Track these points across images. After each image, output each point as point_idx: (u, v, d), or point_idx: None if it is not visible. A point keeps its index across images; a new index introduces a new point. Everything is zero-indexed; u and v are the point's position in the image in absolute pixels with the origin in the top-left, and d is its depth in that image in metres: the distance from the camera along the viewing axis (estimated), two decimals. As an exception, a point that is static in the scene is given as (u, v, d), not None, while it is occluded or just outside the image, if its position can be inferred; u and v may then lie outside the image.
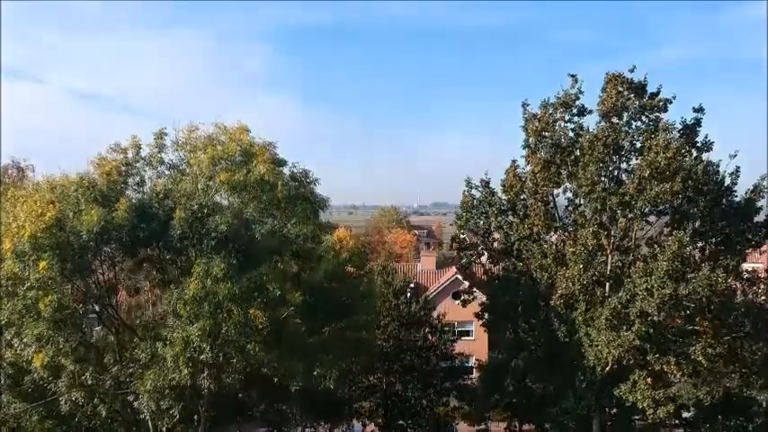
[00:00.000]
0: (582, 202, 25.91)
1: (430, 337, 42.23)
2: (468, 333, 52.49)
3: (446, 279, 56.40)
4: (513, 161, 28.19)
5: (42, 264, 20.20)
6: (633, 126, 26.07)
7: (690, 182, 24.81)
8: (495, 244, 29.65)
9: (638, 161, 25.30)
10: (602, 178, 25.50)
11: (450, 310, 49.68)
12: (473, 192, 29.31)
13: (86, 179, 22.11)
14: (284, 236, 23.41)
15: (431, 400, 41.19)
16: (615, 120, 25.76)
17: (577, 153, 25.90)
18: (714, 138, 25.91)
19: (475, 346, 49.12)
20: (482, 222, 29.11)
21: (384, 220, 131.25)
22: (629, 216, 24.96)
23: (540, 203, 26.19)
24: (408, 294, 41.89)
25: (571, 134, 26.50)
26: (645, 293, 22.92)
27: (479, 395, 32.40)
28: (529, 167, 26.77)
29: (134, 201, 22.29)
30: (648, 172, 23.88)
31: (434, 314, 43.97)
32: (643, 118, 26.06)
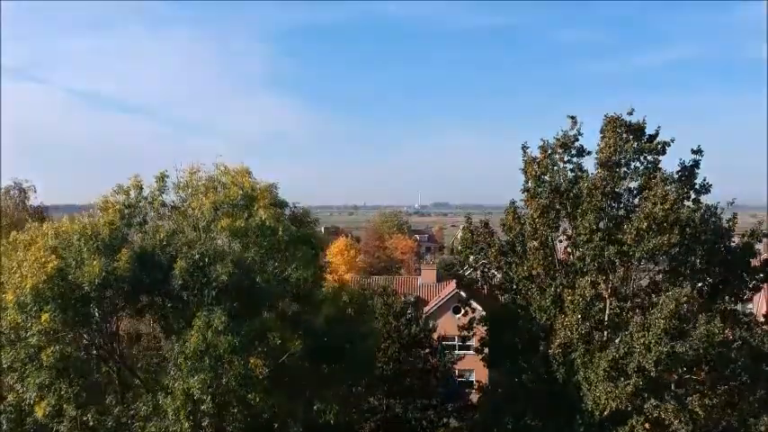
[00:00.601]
0: (580, 249, 26.01)
1: (430, 359, 42.50)
2: (468, 347, 52.79)
3: (447, 294, 56.54)
4: (513, 202, 28.35)
5: (45, 316, 20.39)
6: (632, 166, 26.24)
7: (687, 230, 24.95)
8: (495, 280, 29.81)
9: (637, 208, 25.42)
10: (601, 225, 25.58)
11: (451, 325, 49.92)
12: (473, 227, 29.44)
13: (89, 227, 22.25)
14: (285, 278, 23.60)
15: (431, 422, 41.44)
16: (614, 161, 25.90)
17: (577, 192, 26.03)
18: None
19: (476, 360, 49.49)
20: (481, 258, 29.26)
21: (385, 225, 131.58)
22: (628, 265, 25.13)
23: (539, 248, 26.37)
24: (409, 316, 42.03)
25: (570, 174, 26.65)
26: (642, 348, 23.13)
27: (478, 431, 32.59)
28: (529, 212, 26.91)
29: (136, 248, 22.40)
30: (646, 224, 24.04)
31: (435, 335, 44.20)
32: (641, 159, 26.24)
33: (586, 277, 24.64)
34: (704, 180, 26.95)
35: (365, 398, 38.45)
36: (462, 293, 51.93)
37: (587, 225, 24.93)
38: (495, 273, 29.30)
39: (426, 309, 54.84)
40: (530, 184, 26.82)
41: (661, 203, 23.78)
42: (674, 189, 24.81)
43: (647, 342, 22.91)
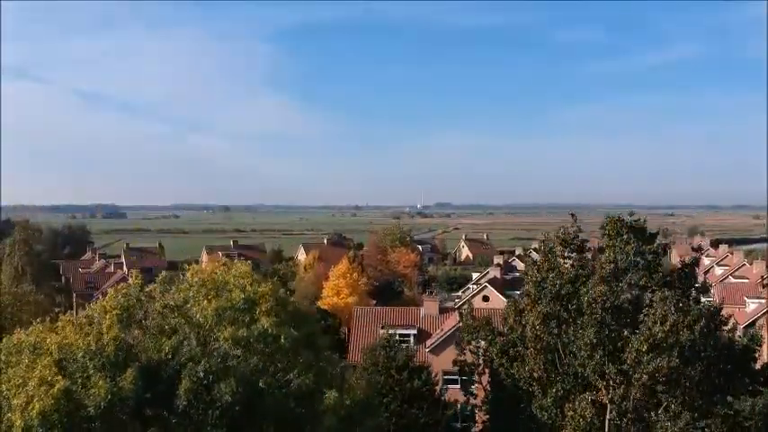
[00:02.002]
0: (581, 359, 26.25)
1: (433, 414, 42.68)
2: (472, 383, 53.13)
3: (449, 328, 56.62)
4: (514, 301, 28.62)
5: (51, 439, 20.66)
6: (633, 261, 26.49)
7: (686, 352, 25.14)
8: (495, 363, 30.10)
9: (638, 329, 25.60)
10: (602, 341, 25.82)
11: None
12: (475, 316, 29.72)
13: (93, 339, 22.54)
14: (287, 382, 23.87)
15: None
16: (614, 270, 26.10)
17: (578, 304, 26.25)
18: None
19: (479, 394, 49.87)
20: (482, 345, 29.56)
21: (388, 238, 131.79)
22: (628, 384, 25.35)
23: (539, 354, 26.64)
24: (410, 368, 42.10)
25: (571, 271, 26.93)
26: None
27: None
28: (530, 318, 27.15)
29: (142, 360, 22.71)
30: (646, 346, 24.28)
31: (437, 371, 44.35)
32: (642, 258, 26.52)
33: (586, 394, 24.91)
34: (704, 281, 27.13)
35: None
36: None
37: (587, 342, 25.19)
38: (495, 358, 29.51)
39: (429, 342, 55.09)
40: (530, 287, 27.09)
41: (661, 323, 24.01)
42: (673, 309, 24.84)
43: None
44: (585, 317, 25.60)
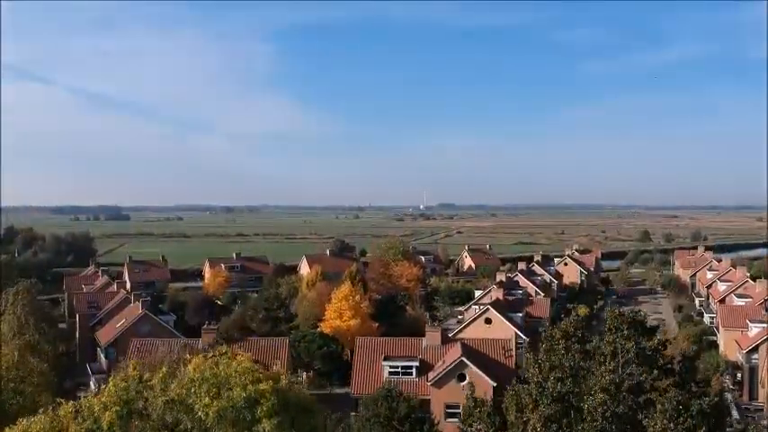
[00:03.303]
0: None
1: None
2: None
3: (452, 361, 56.70)
4: (516, 394, 28.56)
5: None
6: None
7: None
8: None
9: None
10: None
11: (456, 392, 50.38)
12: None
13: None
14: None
15: None
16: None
17: (578, 408, 26.31)
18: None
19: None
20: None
21: (390, 252, 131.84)
22: None
23: None
24: (412, 419, 42.08)
25: (572, 363, 27.02)
26: None
27: None
28: (532, 422, 27.03)
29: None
30: None
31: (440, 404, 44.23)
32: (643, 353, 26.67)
33: None
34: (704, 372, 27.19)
35: None
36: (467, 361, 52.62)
37: None
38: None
39: (431, 375, 55.11)
40: (532, 388, 27.09)
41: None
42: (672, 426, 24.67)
43: None
44: (586, 424, 25.71)
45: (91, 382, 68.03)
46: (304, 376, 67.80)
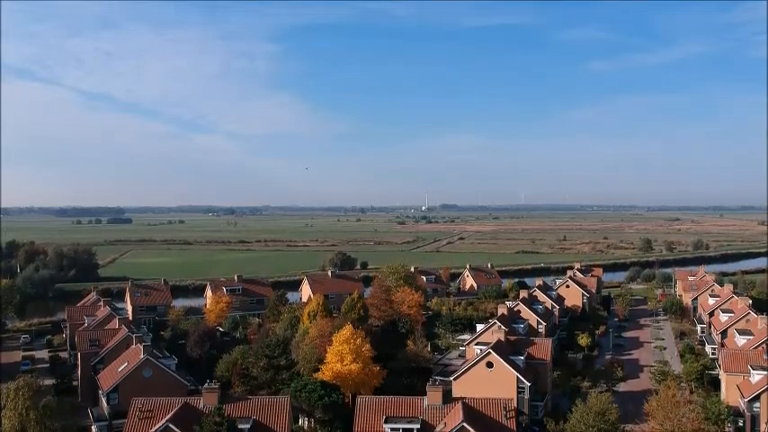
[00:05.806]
0: None
1: None
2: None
3: (453, 426, 56.07)
4: None
5: None
6: None
7: None
8: None
9: None
10: None
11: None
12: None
13: None
14: None
15: None
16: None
17: None
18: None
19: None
20: None
21: (393, 277, 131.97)
22: None
23: None
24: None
25: None
26: None
27: None
28: None
29: None
30: None
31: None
32: None
33: None
34: None
35: None
36: (468, 427, 52.44)
37: None
38: None
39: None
40: None
41: None
42: None
43: None
44: None
45: (93, 429, 68.13)
46: (306, 425, 67.74)
